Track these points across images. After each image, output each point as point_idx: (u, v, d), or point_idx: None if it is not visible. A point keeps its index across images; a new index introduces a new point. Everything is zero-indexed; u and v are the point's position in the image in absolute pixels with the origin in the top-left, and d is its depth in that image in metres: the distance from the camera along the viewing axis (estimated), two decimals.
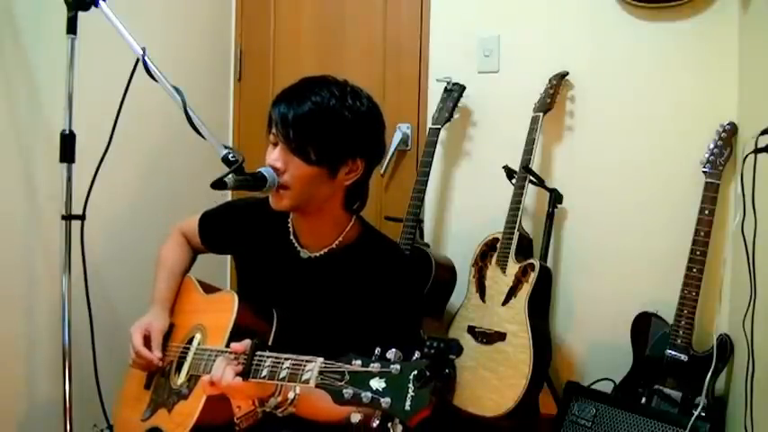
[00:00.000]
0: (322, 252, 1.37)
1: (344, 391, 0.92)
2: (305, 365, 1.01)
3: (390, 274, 1.34)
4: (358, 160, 1.29)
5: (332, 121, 1.24)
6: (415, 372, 0.89)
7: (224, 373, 1.10)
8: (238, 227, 1.50)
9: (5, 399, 1.75)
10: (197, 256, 1.64)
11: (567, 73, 2.20)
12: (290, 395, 1.11)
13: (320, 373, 0.97)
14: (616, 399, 1.90)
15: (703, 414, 1.73)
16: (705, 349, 1.83)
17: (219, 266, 2.57)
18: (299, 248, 1.39)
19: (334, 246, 1.36)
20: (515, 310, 1.98)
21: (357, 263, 1.35)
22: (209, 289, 1.54)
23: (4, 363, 1.74)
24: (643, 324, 1.95)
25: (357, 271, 1.34)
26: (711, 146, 1.93)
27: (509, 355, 1.95)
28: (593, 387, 2.01)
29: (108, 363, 1.73)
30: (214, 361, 1.20)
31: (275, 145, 1.28)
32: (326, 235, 1.36)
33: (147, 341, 1.41)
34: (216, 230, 1.57)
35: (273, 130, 1.27)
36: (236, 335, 1.26)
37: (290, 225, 1.42)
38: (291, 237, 1.41)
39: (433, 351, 0.98)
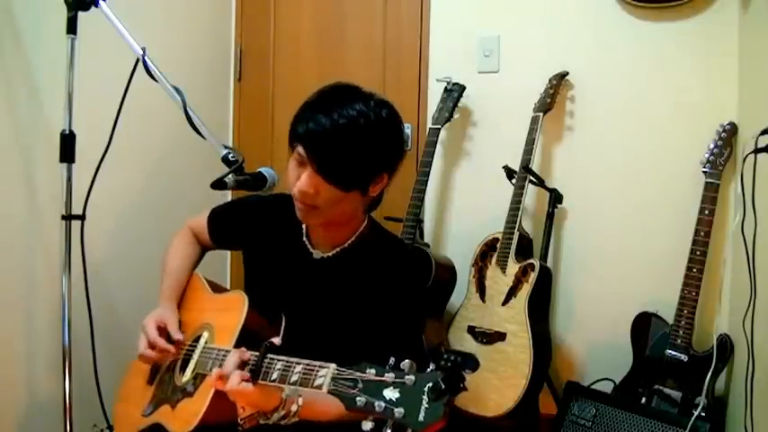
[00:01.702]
0: (334, 252, 1.37)
1: (357, 398, 0.92)
2: (317, 371, 1.00)
3: (398, 268, 1.35)
4: (385, 174, 1.29)
5: (366, 146, 1.20)
6: (430, 384, 0.89)
7: (231, 377, 1.09)
8: (248, 225, 1.49)
9: (5, 399, 1.75)
10: (206, 252, 1.63)
11: (567, 73, 2.20)
12: (294, 408, 1.11)
13: (333, 379, 0.97)
14: (616, 399, 1.90)
15: (703, 414, 1.73)
16: (705, 349, 1.83)
17: (221, 265, 2.57)
18: (311, 249, 1.39)
19: (346, 245, 1.37)
20: (515, 310, 1.98)
21: (367, 259, 1.35)
22: (217, 288, 1.53)
23: (4, 363, 1.73)
24: (643, 324, 1.95)
25: (367, 267, 1.34)
26: (711, 146, 1.93)
27: (509, 355, 1.95)
28: (593, 387, 2.01)
29: (108, 363, 1.73)
30: (221, 361, 1.20)
31: (301, 164, 1.23)
32: (341, 237, 1.37)
33: (161, 333, 1.39)
34: (225, 228, 1.56)
35: (301, 151, 1.21)
36: (244, 336, 1.26)
37: (303, 226, 1.41)
38: (305, 238, 1.41)
39: (449, 365, 0.98)
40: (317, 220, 1.30)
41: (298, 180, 1.23)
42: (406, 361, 0.92)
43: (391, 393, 0.90)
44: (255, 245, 1.48)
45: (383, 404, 0.89)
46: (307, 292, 1.37)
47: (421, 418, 0.87)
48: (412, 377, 0.90)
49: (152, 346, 1.37)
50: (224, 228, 1.56)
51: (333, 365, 0.99)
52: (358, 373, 0.94)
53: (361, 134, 1.19)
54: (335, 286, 1.35)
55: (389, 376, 0.91)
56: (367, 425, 0.90)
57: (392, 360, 0.94)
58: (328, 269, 1.37)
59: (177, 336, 1.38)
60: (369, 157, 1.22)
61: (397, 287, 1.32)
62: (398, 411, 0.88)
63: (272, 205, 1.44)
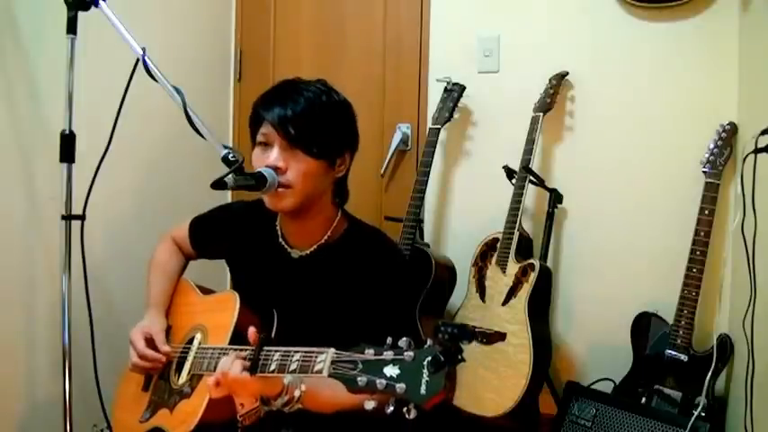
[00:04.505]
0: (312, 249, 1.37)
1: (359, 379, 0.93)
2: (316, 356, 1.01)
3: (380, 263, 1.35)
4: (347, 152, 1.34)
5: (328, 114, 1.28)
6: (429, 358, 0.90)
7: (232, 365, 1.10)
8: (228, 231, 1.50)
9: (5, 399, 1.75)
10: (188, 262, 1.63)
11: (567, 73, 2.20)
12: (296, 393, 1.11)
13: (332, 362, 0.98)
14: (616, 399, 1.89)
15: (703, 414, 1.73)
16: (705, 349, 1.83)
17: (219, 269, 2.56)
18: (288, 249, 1.40)
19: (322, 241, 1.37)
20: (515, 310, 1.98)
21: (347, 255, 1.35)
22: (205, 291, 1.54)
23: (4, 363, 1.74)
24: (643, 324, 1.95)
25: (348, 263, 1.34)
26: (711, 146, 1.93)
27: (509, 355, 1.95)
28: (593, 387, 2.01)
29: (108, 363, 1.73)
30: (217, 359, 1.20)
31: (266, 146, 1.28)
32: (315, 232, 1.37)
33: (149, 343, 1.41)
34: (206, 235, 1.57)
35: (265, 130, 1.28)
36: (238, 333, 1.26)
37: (277, 227, 1.42)
38: (280, 239, 1.41)
39: (446, 337, 1.00)
40: (290, 202, 1.28)
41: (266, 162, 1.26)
42: (404, 339, 0.94)
43: (391, 370, 0.91)
44: (236, 251, 1.49)
45: (384, 381, 0.90)
46: (290, 292, 1.37)
47: (422, 391, 0.88)
48: (411, 353, 0.91)
49: (141, 357, 1.39)
50: (205, 235, 1.57)
51: (331, 349, 1.00)
52: (357, 355, 0.95)
53: (323, 105, 1.28)
54: (317, 284, 1.36)
55: (388, 354, 0.93)
56: (369, 404, 0.91)
57: (389, 339, 0.95)
58: (307, 267, 1.37)
59: (164, 348, 1.40)
60: (333, 124, 1.29)
61: (378, 279, 1.32)
62: (400, 387, 0.89)
63: (250, 211, 1.45)
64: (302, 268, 1.38)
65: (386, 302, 1.31)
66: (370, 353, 0.94)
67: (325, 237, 1.37)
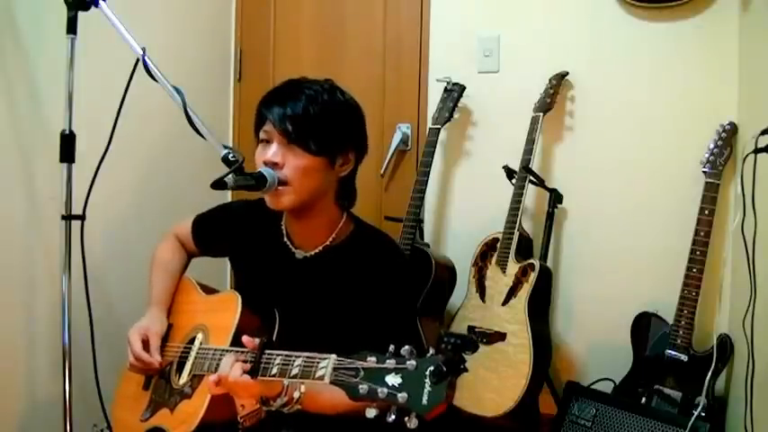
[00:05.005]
0: (317, 250, 1.37)
1: (360, 387, 0.92)
2: (318, 362, 1.01)
3: (384, 267, 1.35)
4: (350, 152, 1.33)
5: (328, 112, 1.28)
6: (432, 367, 0.89)
7: (232, 369, 1.10)
8: (232, 229, 1.50)
9: (5, 399, 1.75)
10: (191, 259, 1.63)
11: (567, 73, 2.20)
12: (296, 394, 1.12)
13: (334, 369, 0.98)
14: (616, 399, 1.89)
15: (703, 414, 1.73)
16: (705, 349, 1.83)
17: (219, 268, 2.57)
18: (293, 250, 1.40)
19: (328, 243, 1.37)
20: (515, 310, 1.98)
21: (352, 258, 1.35)
22: (208, 290, 1.54)
23: (4, 363, 1.74)
24: (643, 324, 1.95)
25: (353, 266, 1.34)
26: (711, 146, 1.93)
27: (509, 354, 1.95)
28: (593, 387, 2.01)
29: (108, 363, 1.73)
30: (219, 360, 1.20)
31: (267, 142, 1.29)
32: (320, 233, 1.37)
33: (145, 345, 1.40)
34: (209, 233, 1.57)
35: (267, 128, 1.29)
36: (240, 334, 1.26)
37: (282, 227, 1.42)
38: (285, 239, 1.41)
39: (449, 347, 1.00)
40: (289, 199, 1.28)
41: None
42: (406, 347, 0.93)
43: (393, 379, 0.91)
44: (240, 249, 1.49)
45: (386, 390, 0.90)
46: (293, 292, 1.37)
47: (424, 401, 0.88)
48: (413, 362, 0.91)
49: (137, 359, 1.39)
50: (208, 233, 1.57)
51: (333, 356, 1.00)
52: (359, 362, 0.95)
53: (323, 103, 1.27)
54: (321, 284, 1.35)
55: (390, 363, 0.92)
56: (371, 412, 0.91)
57: (392, 347, 0.95)
58: (312, 268, 1.37)
59: (155, 356, 1.39)
60: (332, 121, 1.28)
61: (382, 283, 1.32)
62: (402, 396, 0.89)
63: (254, 210, 1.45)
64: (306, 269, 1.38)
65: (389, 307, 1.31)
66: (372, 360, 0.94)
67: (330, 238, 1.36)
